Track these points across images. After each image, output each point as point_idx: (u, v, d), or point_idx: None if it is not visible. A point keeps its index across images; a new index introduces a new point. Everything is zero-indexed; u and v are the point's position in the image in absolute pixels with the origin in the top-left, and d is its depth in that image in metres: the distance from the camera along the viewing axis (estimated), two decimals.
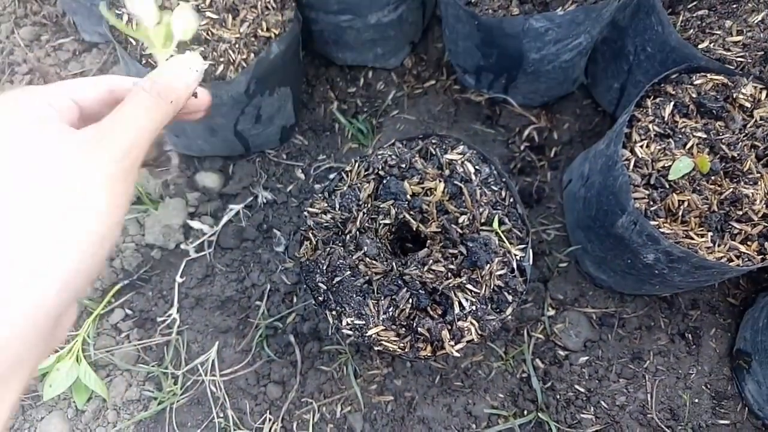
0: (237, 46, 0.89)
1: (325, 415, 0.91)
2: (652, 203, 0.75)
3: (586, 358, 0.93)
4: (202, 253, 1.03)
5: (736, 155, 0.75)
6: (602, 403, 0.90)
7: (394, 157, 0.74)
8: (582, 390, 0.91)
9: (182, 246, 1.04)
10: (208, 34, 0.89)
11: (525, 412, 0.90)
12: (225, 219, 1.05)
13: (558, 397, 0.91)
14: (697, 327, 0.96)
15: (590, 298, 0.97)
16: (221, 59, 0.89)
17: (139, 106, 0.36)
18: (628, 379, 0.92)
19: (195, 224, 1.05)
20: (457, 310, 0.66)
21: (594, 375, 0.92)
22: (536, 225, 1.02)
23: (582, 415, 0.89)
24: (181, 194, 1.08)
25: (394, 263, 0.69)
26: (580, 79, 1.08)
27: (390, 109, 1.15)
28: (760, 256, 0.72)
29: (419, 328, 0.66)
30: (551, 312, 0.96)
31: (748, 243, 0.73)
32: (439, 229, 0.70)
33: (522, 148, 1.09)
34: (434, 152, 0.74)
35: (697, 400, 0.91)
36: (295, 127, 1.12)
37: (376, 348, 0.68)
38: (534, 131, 1.10)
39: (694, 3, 0.90)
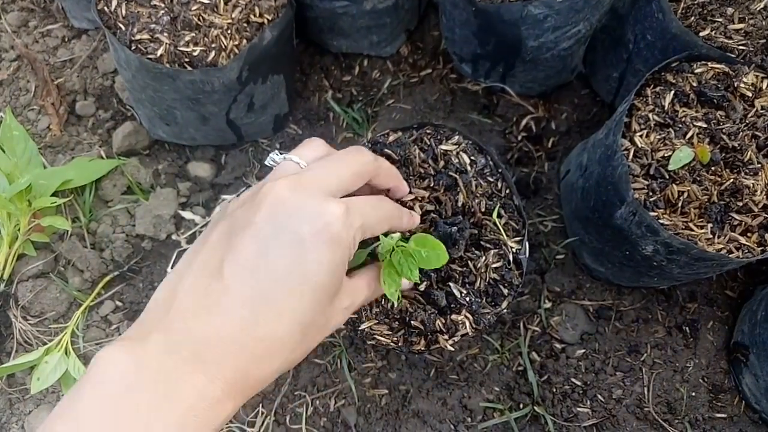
0: (229, 32, 0.87)
1: (319, 409, 0.90)
2: (651, 194, 0.73)
3: (583, 350, 0.92)
4: None
5: (736, 145, 0.74)
6: (599, 396, 0.89)
7: None
8: (578, 383, 0.90)
9: (173, 236, 1.02)
10: (199, 19, 0.87)
11: (521, 406, 0.89)
12: (217, 209, 1.04)
13: (554, 390, 0.90)
14: (694, 320, 0.95)
15: (587, 290, 0.96)
16: (213, 45, 0.87)
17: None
18: (625, 372, 0.91)
19: (186, 214, 1.03)
20: (451, 303, 0.65)
21: (590, 368, 0.91)
22: (533, 216, 1.01)
23: (578, 409, 0.89)
24: (172, 184, 1.06)
25: None
26: (579, 68, 1.07)
27: (385, 98, 1.13)
28: (760, 248, 0.71)
29: (412, 322, 0.64)
30: (548, 304, 0.95)
31: (748, 234, 0.72)
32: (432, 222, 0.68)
33: (519, 138, 1.07)
34: (429, 143, 0.72)
35: (694, 394, 0.90)
36: (288, 116, 1.10)
37: (369, 342, 0.67)
38: (531, 121, 1.08)
39: None
